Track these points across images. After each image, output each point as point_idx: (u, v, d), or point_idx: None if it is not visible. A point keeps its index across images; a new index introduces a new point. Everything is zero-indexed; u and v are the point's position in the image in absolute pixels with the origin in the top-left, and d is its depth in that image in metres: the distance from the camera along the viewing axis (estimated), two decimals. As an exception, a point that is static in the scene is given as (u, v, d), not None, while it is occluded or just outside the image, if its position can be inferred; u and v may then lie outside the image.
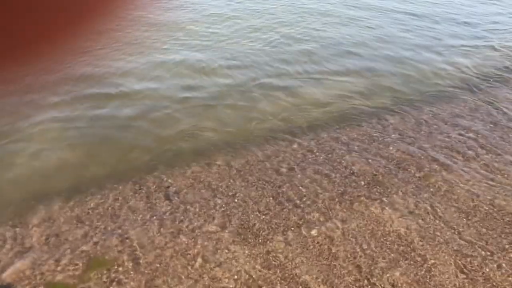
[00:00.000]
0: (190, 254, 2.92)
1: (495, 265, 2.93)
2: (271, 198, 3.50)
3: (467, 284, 2.79)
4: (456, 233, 3.20)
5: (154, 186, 3.59)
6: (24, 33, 0.45)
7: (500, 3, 10.15)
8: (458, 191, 3.67)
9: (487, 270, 2.89)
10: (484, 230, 3.25)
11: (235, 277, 2.76)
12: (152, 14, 6.95)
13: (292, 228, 3.18)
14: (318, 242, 3.06)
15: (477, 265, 2.93)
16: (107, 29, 0.53)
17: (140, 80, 5.48)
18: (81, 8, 0.48)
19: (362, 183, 3.73)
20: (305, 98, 5.29)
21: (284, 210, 3.37)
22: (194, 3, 8.66)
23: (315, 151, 4.18)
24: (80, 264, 2.81)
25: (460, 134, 4.58)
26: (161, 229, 3.14)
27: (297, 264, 2.87)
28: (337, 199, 3.51)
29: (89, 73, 5.35)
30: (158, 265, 2.83)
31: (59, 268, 2.77)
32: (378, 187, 3.68)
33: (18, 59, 0.47)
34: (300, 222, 3.24)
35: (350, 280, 2.78)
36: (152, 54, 6.24)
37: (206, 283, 2.71)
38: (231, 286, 2.70)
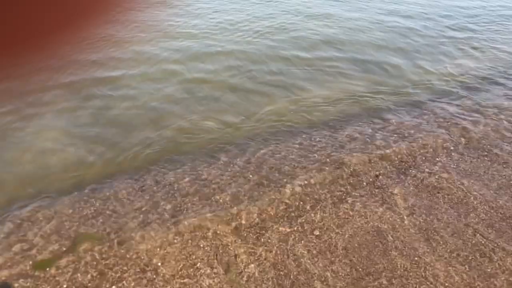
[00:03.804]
0: (190, 253, 2.91)
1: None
2: (273, 196, 3.49)
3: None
4: (456, 234, 3.20)
5: (156, 182, 3.59)
6: (27, 24, 0.44)
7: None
8: (459, 192, 3.66)
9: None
10: (484, 230, 3.24)
11: (237, 274, 2.75)
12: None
13: (295, 228, 3.17)
14: (320, 242, 3.05)
15: (480, 262, 2.92)
16: (113, 20, 0.51)
17: (142, 76, 5.47)
18: None
19: (364, 183, 3.72)
20: (305, 97, 5.28)
21: (287, 209, 3.36)
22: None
23: (316, 150, 4.17)
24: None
25: (462, 135, 4.57)
26: (162, 227, 3.13)
27: (299, 265, 2.86)
28: (339, 199, 3.50)
29: (92, 66, 5.35)
30: (158, 263, 2.82)
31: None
32: (379, 187, 3.67)
33: (19, 52, 0.45)
34: (302, 222, 3.23)
35: (350, 280, 2.78)
36: (155, 51, 6.23)
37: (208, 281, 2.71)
38: (231, 283, 2.70)
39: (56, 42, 0.47)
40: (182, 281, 2.71)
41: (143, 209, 3.30)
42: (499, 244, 3.12)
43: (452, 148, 4.33)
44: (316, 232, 3.14)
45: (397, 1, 9.83)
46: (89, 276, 2.71)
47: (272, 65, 6.04)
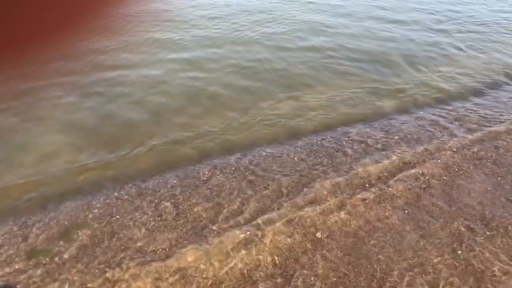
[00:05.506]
0: (191, 253, 2.91)
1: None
2: (275, 198, 3.49)
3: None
4: (453, 229, 3.20)
5: (157, 185, 3.59)
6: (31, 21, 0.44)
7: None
8: (459, 192, 3.67)
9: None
10: (480, 229, 3.23)
11: (237, 276, 2.75)
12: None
13: (297, 230, 3.16)
14: (321, 243, 3.04)
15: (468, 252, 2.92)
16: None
17: (143, 76, 5.50)
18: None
19: (367, 185, 3.72)
20: (306, 100, 5.29)
21: (289, 211, 3.35)
22: None
23: (318, 152, 4.17)
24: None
25: (463, 136, 4.57)
26: (164, 229, 3.13)
27: (301, 266, 2.86)
28: (340, 200, 3.49)
29: (93, 66, 5.38)
30: (161, 265, 2.83)
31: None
32: (381, 188, 3.67)
33: (20, 52, 0.46)
34: (304, 223, 3.23)
35: (350, 279, 2.78)
36: (159, 52, 6.26)
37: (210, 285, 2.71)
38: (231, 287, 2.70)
39: (56, 42, 0.47)
40: (183, 280, 2.72)
41: (145, 211, 3.30)
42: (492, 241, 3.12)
43: (454, 149, 4.33)
44: (318, 235, 3.14)
45: (398, 8, 9.85)
46: (90, 277, 2.72)
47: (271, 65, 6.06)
